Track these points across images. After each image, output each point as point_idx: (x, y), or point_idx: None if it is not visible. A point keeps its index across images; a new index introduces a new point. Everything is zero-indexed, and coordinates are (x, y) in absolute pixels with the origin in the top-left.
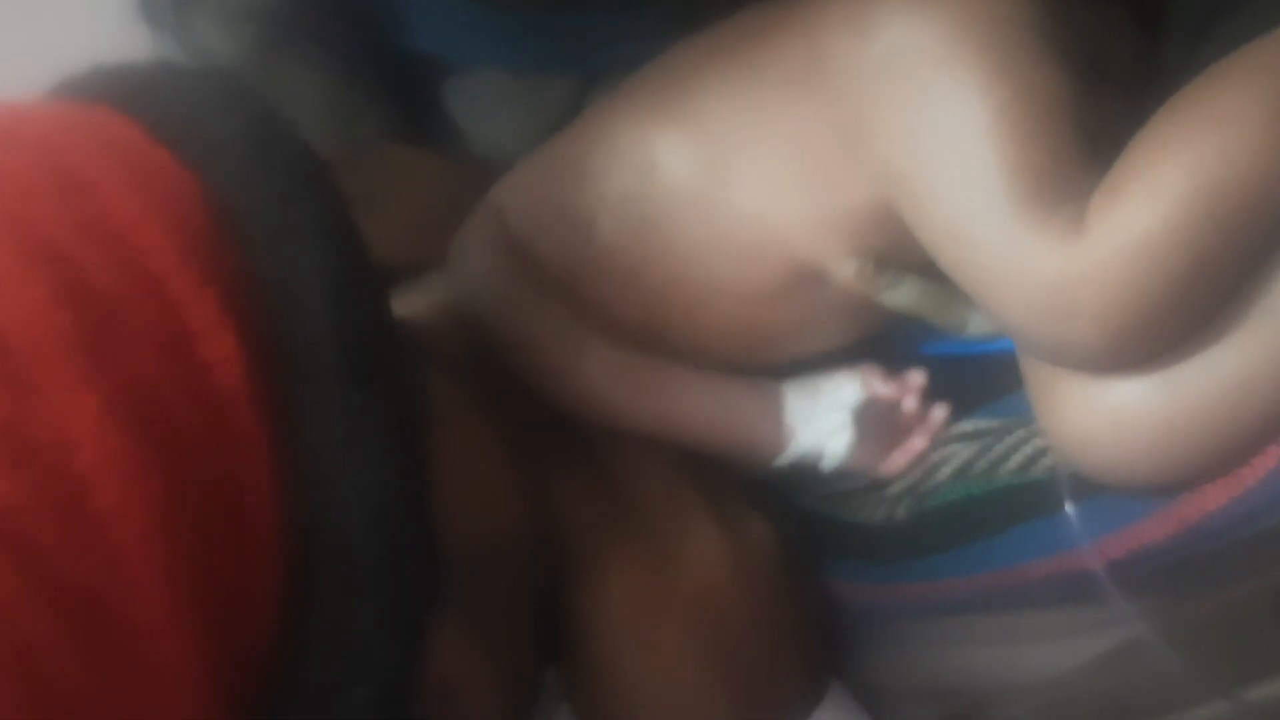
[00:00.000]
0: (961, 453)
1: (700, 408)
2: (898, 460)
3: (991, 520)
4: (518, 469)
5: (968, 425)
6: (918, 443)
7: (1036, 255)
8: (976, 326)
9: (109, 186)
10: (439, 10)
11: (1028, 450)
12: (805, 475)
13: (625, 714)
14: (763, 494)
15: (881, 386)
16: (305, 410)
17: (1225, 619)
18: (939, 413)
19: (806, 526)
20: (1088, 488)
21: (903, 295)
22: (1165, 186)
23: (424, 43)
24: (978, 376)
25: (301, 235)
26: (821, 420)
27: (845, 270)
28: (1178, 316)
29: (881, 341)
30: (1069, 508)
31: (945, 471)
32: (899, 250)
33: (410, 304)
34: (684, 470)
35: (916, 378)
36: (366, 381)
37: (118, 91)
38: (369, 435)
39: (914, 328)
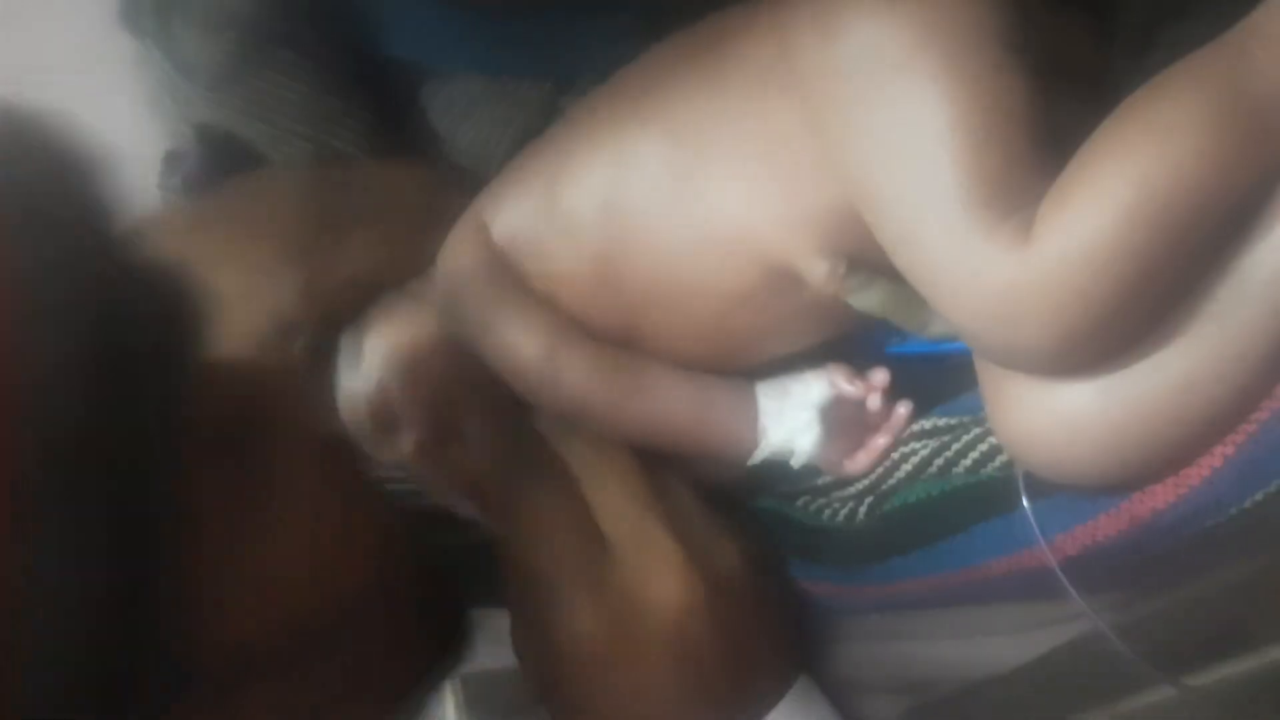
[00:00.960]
0: (920, 450)
1: (679, 408)
2: (862, 459)
3: (951, 520)
4: (370, 534)
5: (926, 423)
6: (881, 440)
7: (987, 261)
8: (937, 327)
9: None
10: (415, 17)
11: (983, 448)
12: (775, 473)
13: None
14: (734, 515)
15: (847, 385)
16: (29, 502)
17: (1173, 612)
18: (902, 410)
19: (771, 531)
20: (1042, 486)
21: (871, 297)
22: (1110, 195)
23: (401, 48)
24: (936, 376)
25: (54, 312)
26: (790, 418)
27: (817, 271)
28: (1123, 322)
29: (847, 342)
30: (1025, 506)
31: (905, 469)
32: (867, 252)
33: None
34: (652, 505)
35: (880, 376)
36: (96, 481)
37: None
38: (87, 536)
39: (879, 328)
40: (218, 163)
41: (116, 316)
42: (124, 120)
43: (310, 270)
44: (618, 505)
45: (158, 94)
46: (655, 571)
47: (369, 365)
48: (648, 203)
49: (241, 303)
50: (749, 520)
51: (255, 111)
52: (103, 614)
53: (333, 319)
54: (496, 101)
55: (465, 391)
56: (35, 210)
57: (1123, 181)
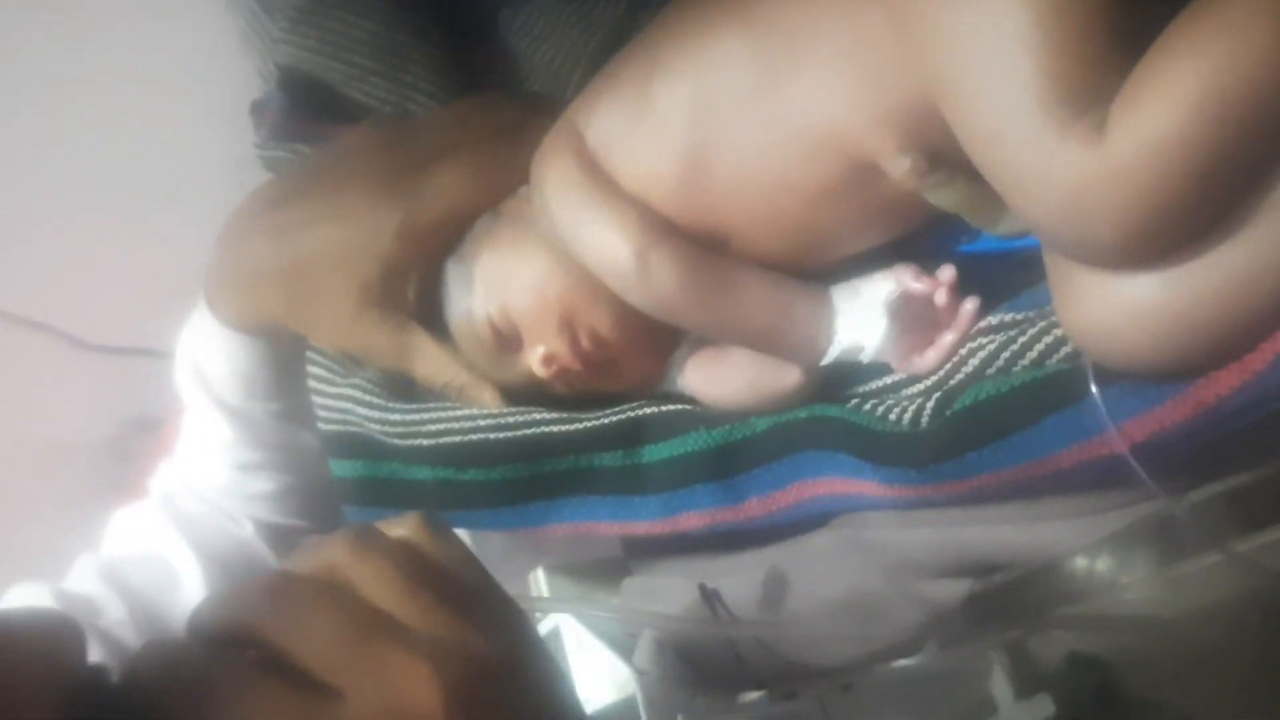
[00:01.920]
0: (986, 345)
1: (761, 307)
2: (931, 355)
3: (1021, 414)
4: None
5: (992, 319)
6: (950, 337)
7: (1062, 157)
8: (1006, 225)
9: None
10: None
11: (1049, 340)
12: (844, 373)
13: None
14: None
15: (915, 282)
16: None
17: (1235, 492)
18: (969, 306)
19: (834, 440)
20: (1109, 375)
21: (949, 193)
22: (1181, 92)
23: None
24: (1002, 273)
25: None
26: (860, 317)
27: (899, 167)
28: (1190, 215)
29: (915, 242)
30: (1094, 394)
31: (971, 365)
32: (946, 149)
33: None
34: (366, 636)
35: (947, 272)
36: None
37: None
38: None
39: (947, 227)
40: (299, 107)
41: None
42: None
43: (404, 210)
44: (328, 658)
45: (246, 34)
46: (395, 685)
47: (484, 288)
48: (735, 102)
49: (348, 255)
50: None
51: (330, 50)
52: None
53: (435, 252)
54: (574, 22)
55: (584, 297)
56: None
57: (1194, 79)
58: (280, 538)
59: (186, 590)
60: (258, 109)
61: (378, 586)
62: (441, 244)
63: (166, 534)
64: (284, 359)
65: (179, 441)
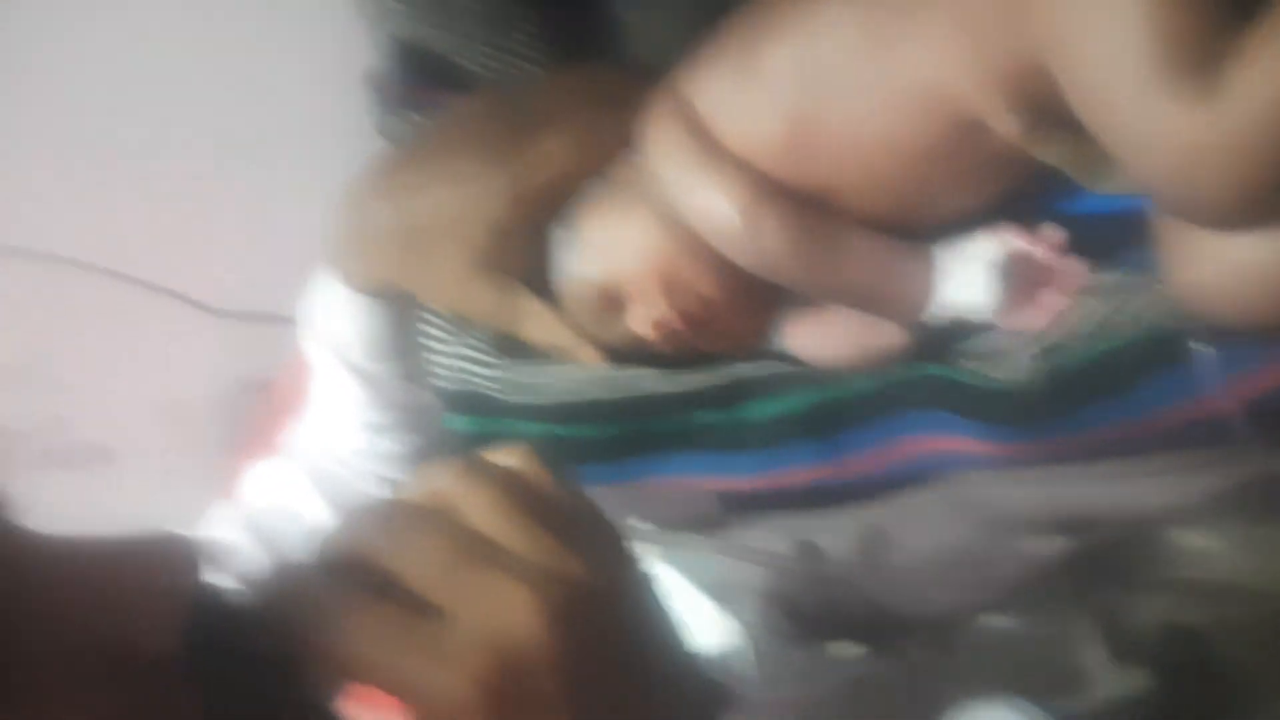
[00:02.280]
0: (1094, 306)
1: (867, 266)
2: (1036, 315)
3: (1126, 372)
4: None
5: (1098, 278)
6: (1055, 297)
7: (1175, 117)
8: (1111, 184)
9: None
10: None
11: (1155, 300)
12: (948, 332)
13: None
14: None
15: (1020, 243)
16: None
17: None
18: (1076, 265)
19: (947, 398)
20: (1216, 335)
21: (1057, 151)
22: None
23: None
24: (1107, 232)
25: None
26: (965, 276)
27: (1008, 125)
28: None
29: (1020, 203)
30: (1200, 354)
31: (1079, 325)
32: (1055, 107)
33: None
34: (456, 563)
35: (1053, 233)
36: None
37: None
38: None
39: (1052, 186)
40: (413, 75)
41: None
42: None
43: (513, 176)
44: (434, 582)
45: (362, 6)
46: (497, 609)
47: (590, 251)
48: (842, 64)
49: (460, 220)
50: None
51: (437, 19)
52: None
53: (543, 217)
54: None
55: (689, 259)
56: None
57: None
58: None
59: None
60: (373, 78)
61: (483, 512)
62: (549, 209)
63: (301, 489)
64: (404, 320)
65: (311, 402)
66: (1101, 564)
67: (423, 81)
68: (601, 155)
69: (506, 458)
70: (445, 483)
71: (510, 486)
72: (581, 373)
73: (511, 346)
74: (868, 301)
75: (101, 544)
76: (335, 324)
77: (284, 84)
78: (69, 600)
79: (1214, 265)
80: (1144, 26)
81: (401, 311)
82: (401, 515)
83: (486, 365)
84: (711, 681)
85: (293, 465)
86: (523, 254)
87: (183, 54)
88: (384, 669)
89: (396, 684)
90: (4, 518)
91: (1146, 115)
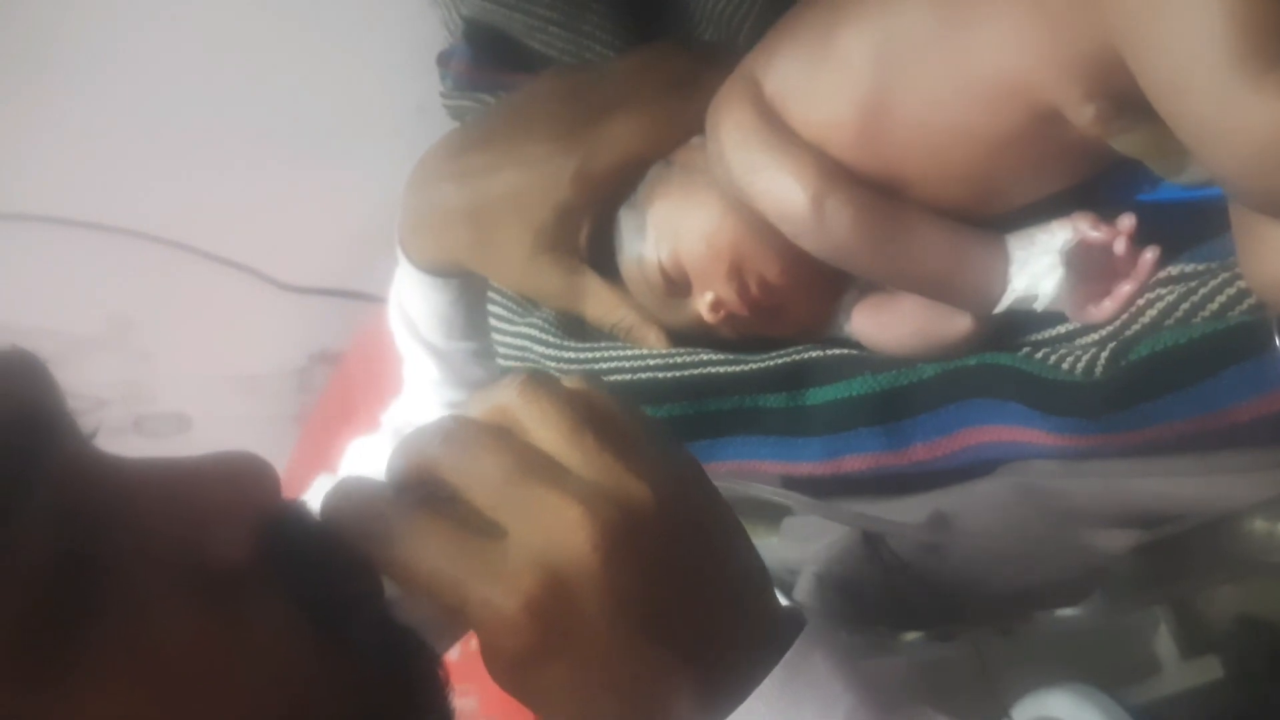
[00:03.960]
0: (1166, 296)
1: (937, 254)
2: (1108, 306)
3: (1200, 365)
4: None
5: (1173, 269)
6: (1128, 287)
7: (1252, 109)
8: (1190, 174)
9: None
10: None
11: (1230, 292)
12: (1020, 320)
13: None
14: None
15: (1093, 231)
16: None
17: None
18: (1149, 255)
19: (1005, 387)
20: None
21: (1134, 141)
22: None
23: None
24: (1184, 222)
25: None
26: (1036, 264)
27: (1084, 114)
28: None
29: (1096, 190)
30: (1276, 348)
31: (1150, 315)
32: (1131, 96)
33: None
34: (519, 478)
35: (1126, 221)
36: None
37: None
38: None
39: (1129, 176)
40: (483, 57)
41: None
42: (408, 25)
43: (580, 158)
44: (492, 497)
45: None
46: (549, 526)
47: (656, 234)
48: (917, 51)
49: (526, 200)
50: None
51: (511, 1)
52: None
53: (608, 198)
54: None
55: (754, 244)
56: None
57: None
58: None
59: None
60: (444, 59)
61: (543, 429)
62: (615, 191)
63: None
64: (474, 299)
65: (404, 380)
66: (1174, 556)
67: (493, 63)
68: (669, 139)
69: (571, 380)
70: (507, 397)
71: (573, 404)
72: (645, 354)
73: (575, 327)
74: (937, 290)
75: (186, 463)
76: (410, 303)
77: (357, 64)
78: (156, 514)
79: None
80: (1222, 15)
81: (469, 290)
82: (463, 429)
83: (548, 345)
84: (787, 607)
85: (387, 439)
86: (588, 235)
87: (261, 34)
88: (442, 584)
89: (453, 599)
90: (93, 446)
91: (1223, 107)
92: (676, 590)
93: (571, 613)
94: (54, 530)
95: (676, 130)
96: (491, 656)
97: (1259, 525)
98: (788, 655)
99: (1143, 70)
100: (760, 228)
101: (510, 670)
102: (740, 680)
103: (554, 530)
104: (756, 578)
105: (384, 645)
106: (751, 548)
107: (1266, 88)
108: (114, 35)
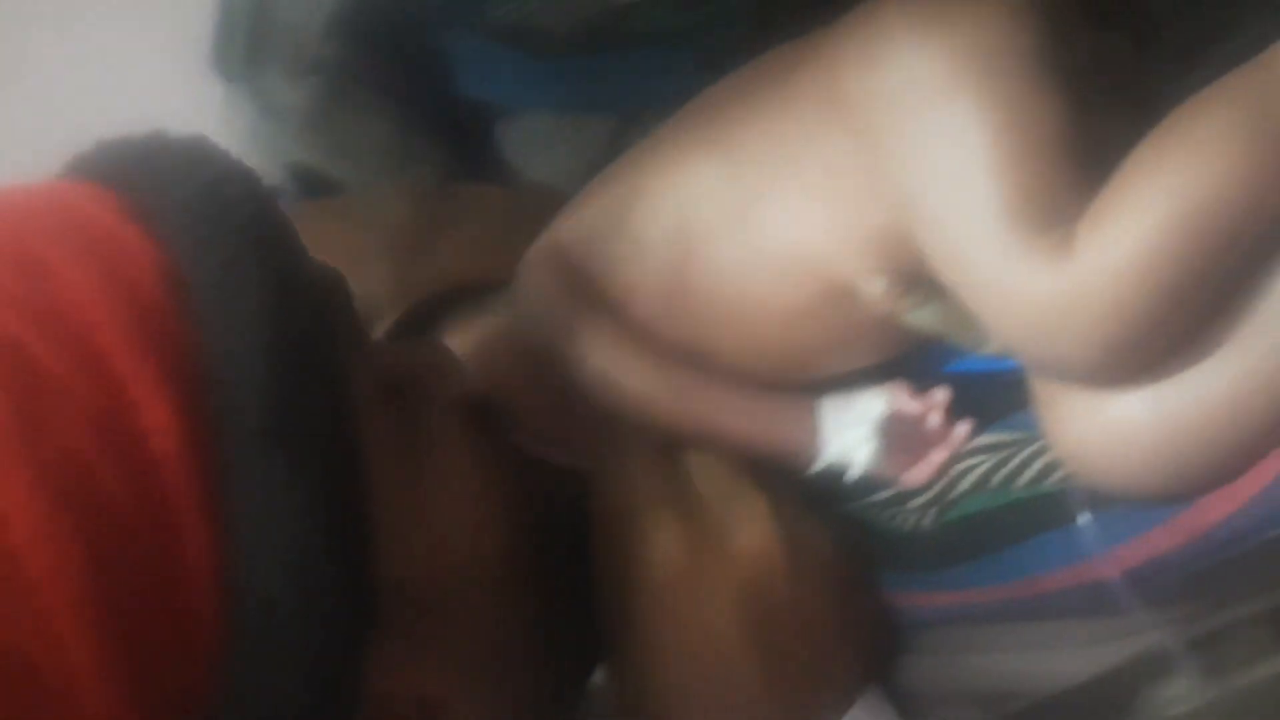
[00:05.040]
0: (980, 465)
1: (739, 419)
2: (920, 472)
3: (1011, 530)
4: (517, 489)
5: (987, 438)
6: (939, 455)
7: (1030, 277)
8: (992, 345)
9: (63, 265)
10: (488, 59)
11: (1042, 462)
12: (836, 485)
13: (663, 694)
14: (824, 502)
15: (907, 402)
16: (233, 471)
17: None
18: (961, 428)
19: (855, 535)
20: (1100, 498)
21: (927, 315)
22: (1148, 211)
23: (476, 89)
24: (994, 392)
25: (241, 300)
26: (849, 432)
27: (874, 289)
28: (1164, 334)
29: (910, 360)
30: (1083, 518)
31: (966, 482)
32: (922, 271)
33: (471, 324)
34: (744, 469)
35: (941, 395)
36: (290, 442)
37: (106, 166)
38: (289, 493)
39: (938, 346)
40: (304, 196)
41: (296, 307)
42: None
43: (401, 265)
44: (710, 464)
45: (247, 140)
46: (741, 522)
47: None
48: (713, 225)
49: None
50: (845, 524)
51: (341, 151)
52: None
53: (414, 314)
54: (567, 137)
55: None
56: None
57: (1161, 197)
58: None
59: None
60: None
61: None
62: (429, 315)
63: None
64: None
65: None
66: None
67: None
68: (488, 274)
69: None
70: None
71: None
72: None
73: None
74: (746, 453)
75: None
76: None
77: None
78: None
79: (1090, 427)
80: (991, 186)
81: None
82: None
83: None
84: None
85: None
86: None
87: None
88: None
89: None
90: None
91: (1001, 275)
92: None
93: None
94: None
95: (496, 271)
96: None
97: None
98: None
99: (927, 242)
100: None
101: None
102: None
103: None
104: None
105: None
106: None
107: (1042, 254)
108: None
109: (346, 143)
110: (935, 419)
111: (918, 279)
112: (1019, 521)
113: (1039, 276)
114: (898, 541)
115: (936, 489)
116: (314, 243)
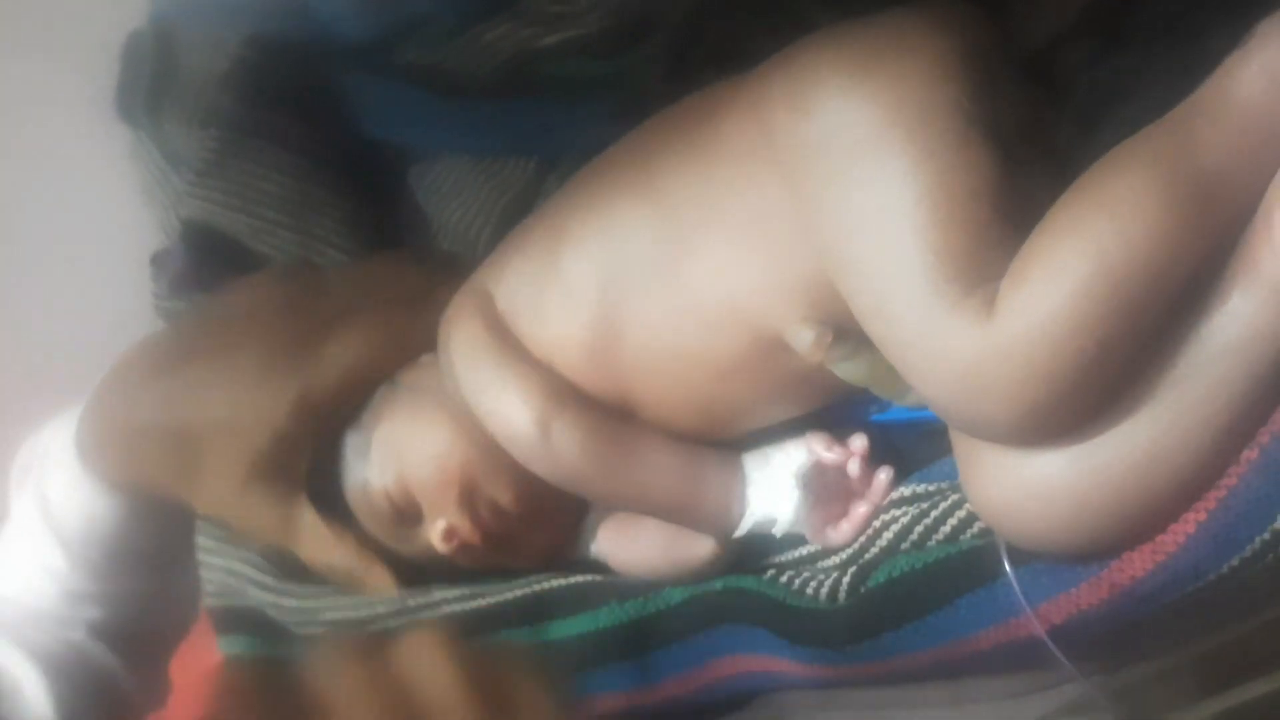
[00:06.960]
0: (900, 518)
1: (670, 478)
2: (845, 529)
3: (936, 594)
4: None
5: (905, 489)
6: (863, 508)
7: (951, 335)
8: (914, 396)
9: None
10: (401, 101)
11: (961, 514)
12: (760, 544)
13: None
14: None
15: (827, 452)
16: None
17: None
18: (883, 476)
19: (755, 614)
20: (1023, 554)
21: (854, 367)
22: (1066, 271)
23: (388, 132)
24: (915, 442)
25: None
26: (773, 486)
27: (803, 339)
28: (1084, 393)
29: (831, 411)
30: (1008, 574)
31: (886, 538)
32: (849, 322)
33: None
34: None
35: (859, 442)
36: None
37: None
38: None
39: (862, 397)
40: (203, 260)
41: None
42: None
43: (301, 381)
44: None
45: (149, 186)
46: None
47: (381, 458)
48: (639, 274)
49: (240, 424)
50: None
51: (237, 203)
52: None
53: (332, 422)
54: (483, 181)
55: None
56: None
57: (1078, 258)
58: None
59: (28, 694)
60: (159, 260)
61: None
62: (340, 413)
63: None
64: (156, 522)
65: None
66: None
67: (215, 266)
68: (398, 357)
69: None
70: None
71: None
72: (373, 599)
73: (295, 565)
74: (675, 515)
75: None
76: (60, 499)
77: (61, 264)
78: None
79: (1010, 484)
80: (917, 243)
81: (153, 517)
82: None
83: (268, 589)
84: None
85: None
86: (308, 462)
87: None
88: None
89: None
90: None
91: (924, 331)
92: None
93: None
94: None
95: (405, 349)
96: None
97: None
98: None
99: (851, 295)
100: (493, 450)
101: None
102: None
103: None
104: None
105: None
106: None
107: (964, 313)
108: None
109: (242, 195)
110: (855, 466)
111: (845, 329)
112: (943, 583)
113: (961, 336)
114: (813, 616)
115: (855, 546)
116: (198, 378)
